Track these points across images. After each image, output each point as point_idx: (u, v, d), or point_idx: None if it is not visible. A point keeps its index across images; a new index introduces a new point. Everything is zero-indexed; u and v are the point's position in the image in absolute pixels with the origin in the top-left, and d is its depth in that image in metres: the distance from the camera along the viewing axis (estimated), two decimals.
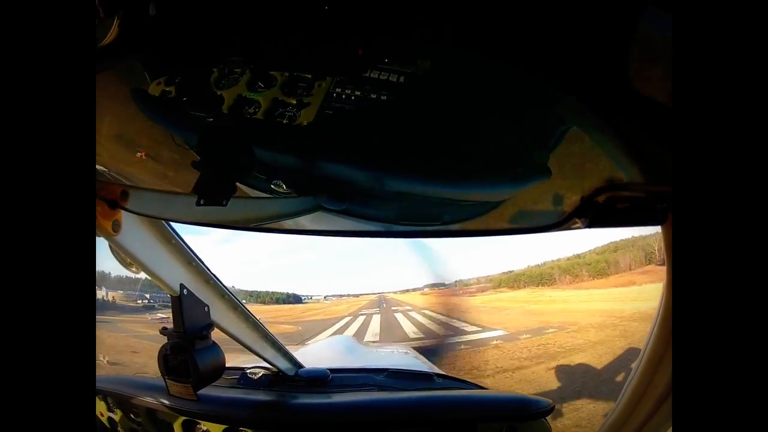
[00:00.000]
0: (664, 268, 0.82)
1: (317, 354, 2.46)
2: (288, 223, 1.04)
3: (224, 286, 1.29)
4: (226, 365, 1.77)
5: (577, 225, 0.67)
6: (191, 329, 1.17)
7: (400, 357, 2.68)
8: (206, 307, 1.21)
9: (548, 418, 1.57)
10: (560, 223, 0.70)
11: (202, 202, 0.79)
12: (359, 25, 0.70)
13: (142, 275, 1.14)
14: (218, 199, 0.80)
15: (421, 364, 2.66)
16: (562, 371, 4.99)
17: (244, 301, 1.43)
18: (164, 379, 1.25)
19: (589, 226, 0.65)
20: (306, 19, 0.69)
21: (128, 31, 0.72)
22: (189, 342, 1.18)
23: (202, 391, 1.36)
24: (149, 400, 1.53)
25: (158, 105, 0.84)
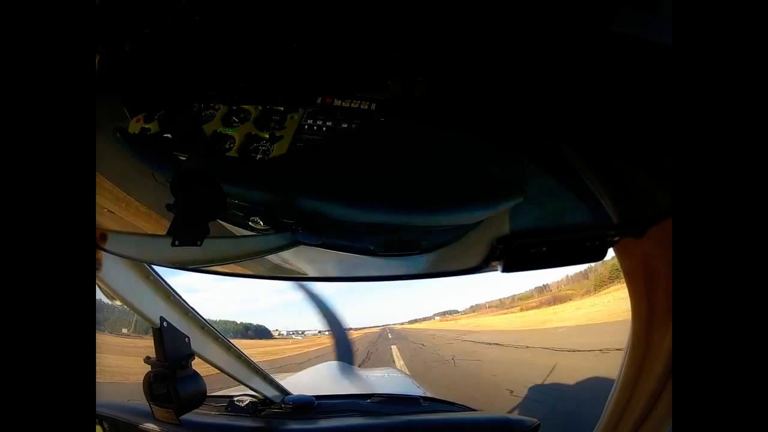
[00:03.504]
0: None
1: (307, 381, 2.48)
2: (270, 269, 1.06)
3: (203, 318, 1.33)
4: (216, 394, 1.81)
5: (495, 268, 0.69)
6: (172, 359, 1.23)
7: (391, 381, 2.69)
8: (186, 338, 1.26)
9: None
10: (481, 266, 0.71)
11: (177, 243, 0.78)
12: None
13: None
14: (192, 239, 0.80)
15: (413, 387, 2.66)
16: None
17: None
18: (149, 404, 1.29)
19: (504, 270, 0.67)
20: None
21: (107, 67, 0.73)
22: (171, 371, 1.23)
23: (192, 419, 1.40)
24: (144, 426, 1.55)
25: (138, 143, 0.83)
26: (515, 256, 0.67)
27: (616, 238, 0.74)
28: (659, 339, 0.91)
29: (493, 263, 0.70)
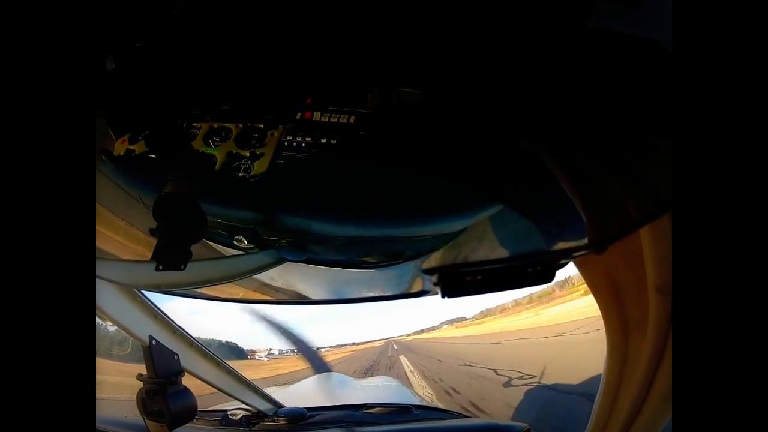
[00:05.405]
0: None
1: (301, 393, 2.50)
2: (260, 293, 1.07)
3: (191, 336, 1.38)
4: (210, 408, 1.84)
5: (436, 293, 0.72)
6: (163, 375, 1.27)
7: (386, 389, 2.72)
8: (176, 356, 1.29)
9: None
10: (425, 291, 0.73)
11: (161, 268, 0.79)
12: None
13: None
14: (176, 263, 0.81)
15: (409, 396, 2.69)
16: None
17: None
18: (143, 419, 1.33)
19: (443, 296, 0.69)
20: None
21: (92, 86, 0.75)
22: (162, 387, 1.27)
23: None
24: None
25: (123, 164, 0.82)
26: (451, 284, 0.69)
27: (564, 261, 0.76)
28: (636, 347, 0.92)
29: (434, 288, 0.72)
